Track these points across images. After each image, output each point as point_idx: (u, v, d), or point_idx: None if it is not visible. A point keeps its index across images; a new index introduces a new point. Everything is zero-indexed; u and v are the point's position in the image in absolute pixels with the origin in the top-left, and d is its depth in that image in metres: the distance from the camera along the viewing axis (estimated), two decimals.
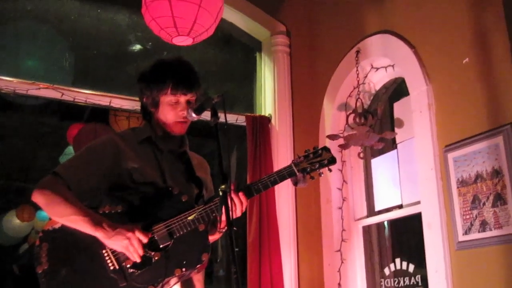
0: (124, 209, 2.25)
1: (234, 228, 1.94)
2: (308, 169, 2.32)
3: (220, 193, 1.97)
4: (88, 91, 4.06)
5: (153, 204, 2.26)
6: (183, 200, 2.26)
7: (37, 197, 2.20)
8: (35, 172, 7.82)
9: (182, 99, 2.37)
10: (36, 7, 4.17)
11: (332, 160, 2.35)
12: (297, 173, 2.31)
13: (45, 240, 2.21)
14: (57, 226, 2.23)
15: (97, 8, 4.38)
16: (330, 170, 2.39)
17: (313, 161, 2.33)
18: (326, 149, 2.37)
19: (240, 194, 2.24)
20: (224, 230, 2.32)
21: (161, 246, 2.19)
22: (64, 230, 2.19)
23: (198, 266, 2.19)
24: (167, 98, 2.37)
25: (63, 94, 3.94)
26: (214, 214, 2.22)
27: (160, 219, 2.22)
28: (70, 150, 6.21)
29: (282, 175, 2.31)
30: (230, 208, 1.95)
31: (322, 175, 2.37)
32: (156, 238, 2.20)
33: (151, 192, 2.26)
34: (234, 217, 2.26)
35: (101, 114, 5.20)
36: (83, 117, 5.71)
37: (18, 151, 7.54)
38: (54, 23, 4.23)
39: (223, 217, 2.06)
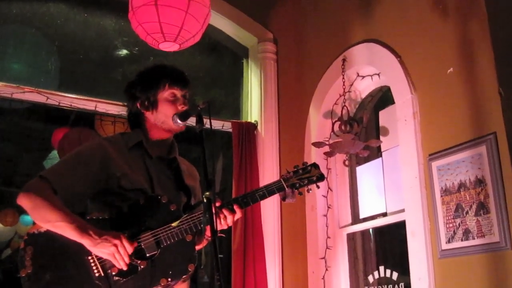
0: (112, 216, 2.23)
1: (223, 235, 1.94)
2: (297, 185, 2.34)
3: (205, 200, 1.96)
4: (74, 95, 4.04)
5: (141, 212, 2.24)
6: (172, 209, 2.25)
7: (23, 201, 2.17)
8: (19, 176, 7.75)
9: (179, 93, 2.40)
10: (22, 10, 4.14)
11: (321, 177, 2.37)
12: (286, 188, 2.32)
13: (30, 243, 2.18)
14: (42, 229, 2.19)
15: (83, 13, 4.36)
16: (318, 187, 2.41)
17: (302, 177, 2.35)
18: (315, 165, 2.39)
19: (232, 208, 2.26)
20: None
21: (147, 255, 2.18)
22: (50, 234, 2.16)
23: (184, 276, 2.18)
24: (165, 94, 2.39)
25: (48, 98, 3.92)
26: (202, 225, 2.22)
27: (148, 228, 2.21)
28: (54, 154, 6.18)
29: (271, 189, 2.32)
30: (215, 217, 1.95)
31: (311, 191, 2.39)
32: (143, 246, 2.18)
33: (140, 200, 2.25)
34: (221, 228, 2.27)
35: (86, 119, 5.16)
36: (68, 122, 5.68)
37: (1, 155, 7.47)
38: (40, 26, 4.21)
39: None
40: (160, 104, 2.40)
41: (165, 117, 2.39)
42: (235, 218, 2.28)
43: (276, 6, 4.89)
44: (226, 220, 2.25)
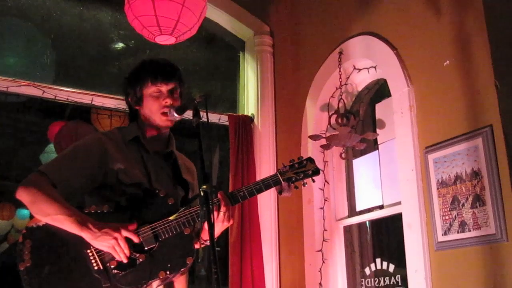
0: (110, 210, 2.24)
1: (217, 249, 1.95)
2: (293, 179, 2.37)
3: (202, 194, 1.96)
4: (70, 89, 4.03)
5: (139, 206, 2.25)
6: (169, 203, 2.26)
7: (22, 194, 2.17)
8: (15, 170, 7.74)
9: (164, 88, 2.40)
10: (17, 3, 4.13)
11: (316, 171, 2.40)
12: (282, 182, 2.35)
13: (28, 237, 2.18)
14: (41, 223, 2.19)
15: (79, 6, 4.34)
16: (313, 181, 2.44)
17: (298, 171, 2.38)
18: (310, 159, 2.42)
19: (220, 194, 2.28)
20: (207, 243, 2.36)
21: (146, 248, 2.18)
22: (48, 228, 2.17)
23: (182, 269, 2.19)
24: (149, 90, 2.39)
25: (44, 91, 3.90)
26: (199, 219, 2.23)
27: (146, 221, 2.22)
28: (51, 148, 6.18)
29: (268, 183, 2.35)
30: (211, 210, 1.95)
31: (306, 185, 2.42)
32: (141, 240, 2.19)
33: (138, 194, 2.26)
34: (223, 228, 2.30)
35: (83, 112, 5.17)
36: (65, 115, 5.68)
37: None
38: (36, 20, 4.19)
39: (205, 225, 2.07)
40: (145, 100, 2.42)
41: (150, 112, 2.41)
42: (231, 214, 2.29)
43: None
44: (224, 216, 2.25)
